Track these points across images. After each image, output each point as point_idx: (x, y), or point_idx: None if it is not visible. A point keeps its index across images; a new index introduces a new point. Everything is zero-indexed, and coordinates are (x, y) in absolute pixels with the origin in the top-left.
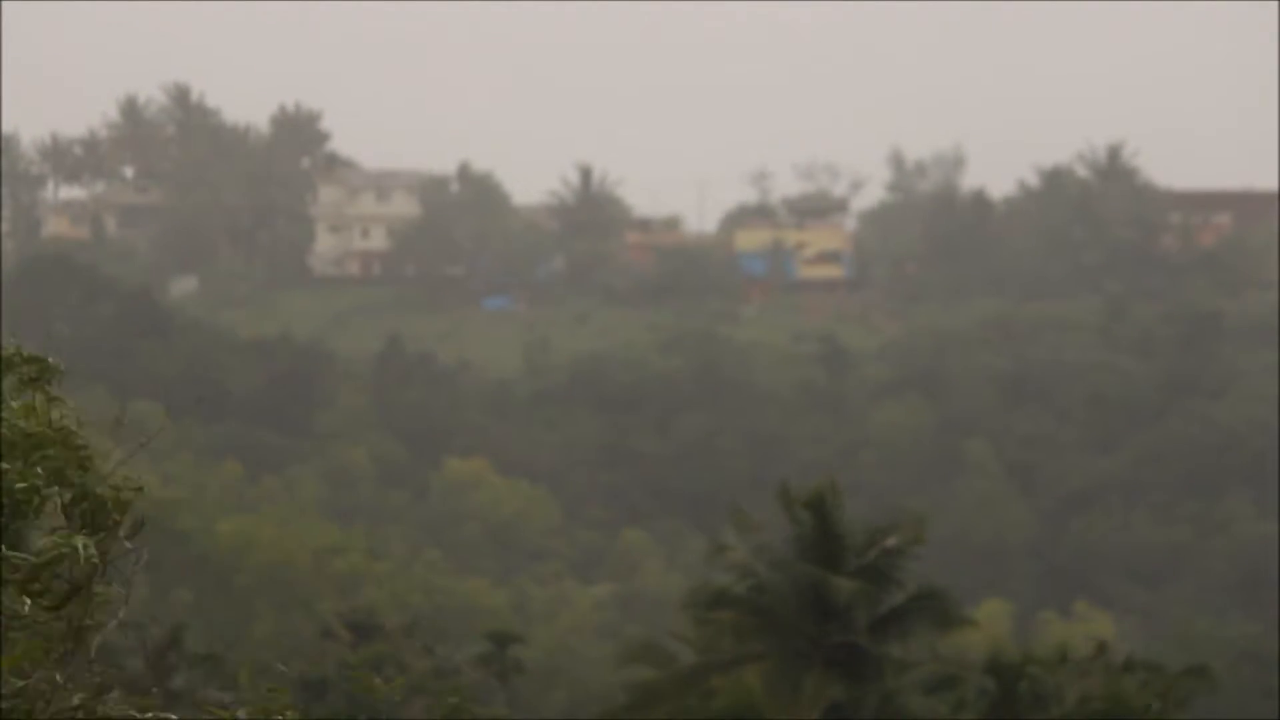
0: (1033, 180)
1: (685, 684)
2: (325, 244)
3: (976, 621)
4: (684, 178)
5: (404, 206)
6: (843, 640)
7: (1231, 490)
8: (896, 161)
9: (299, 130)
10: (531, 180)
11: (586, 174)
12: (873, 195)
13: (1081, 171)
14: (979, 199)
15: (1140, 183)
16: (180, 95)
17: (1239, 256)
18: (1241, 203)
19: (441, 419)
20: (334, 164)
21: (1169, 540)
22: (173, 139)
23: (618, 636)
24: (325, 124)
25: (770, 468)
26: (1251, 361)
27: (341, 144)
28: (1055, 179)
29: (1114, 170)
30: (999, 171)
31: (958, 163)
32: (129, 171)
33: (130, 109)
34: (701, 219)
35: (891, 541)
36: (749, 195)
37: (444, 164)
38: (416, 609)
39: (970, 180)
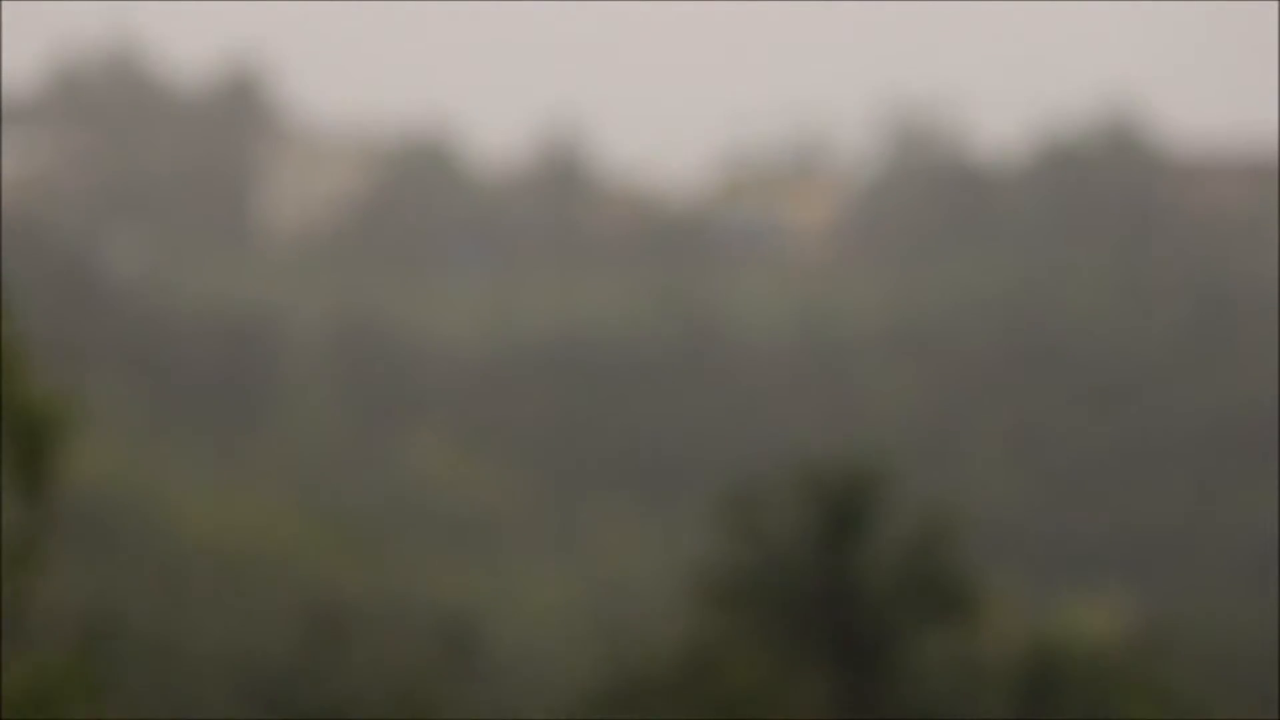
0: (1027, 139)
1: (681, 676)
2: (274, 210)
3: (1000, 609)
4: (670, 137)
5: (361, 174)
6: (858, 630)
7: (1242, 466)
8: (892, 121)
9: (247, 94)
10: (504, 136)
11: (562, 132)
12: (865, 155)
13: (1083, 129)
14: (981, 168)
15: (1148, 148)
16: (120, 52)
17: (1251, 227)
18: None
19: (402, 392)
20: (285, 133)
21: (1176, 517)
22: (108, 99)
23: (597, 621)
24: (282, 81)
25: (758, 440)
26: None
27: (305, 92)
28: (1058, 147)
29: (1119, 135)
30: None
31: (956, 125)
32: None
33: (66, 66)
34: (685, 180)
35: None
36: (736, 155)
37: (413, 115)
38: (384, 597)
39: (966, 133)
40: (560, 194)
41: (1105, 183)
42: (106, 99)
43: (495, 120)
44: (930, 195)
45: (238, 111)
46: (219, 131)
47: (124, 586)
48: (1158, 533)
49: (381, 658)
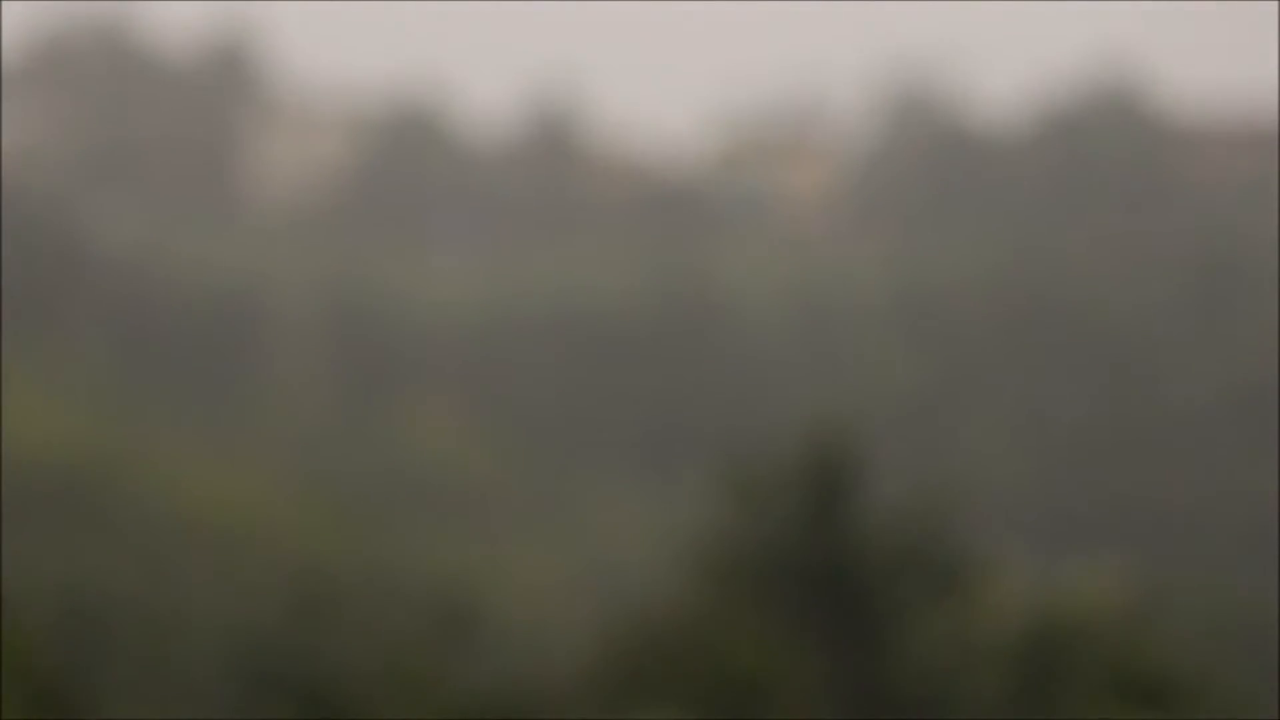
0: (1028, 104)
1: (675, 652)
2: (263, 179)
3: (1000, 580)
4: (666, 100)
5: (350, 142)
6: (854, 605)
7: (1245, 435)
8: (891, 86)
9: (234, 62)
10: (495, 100)
11: (555, 96)
12: (863, 121)
13: (1083, 94)
14: (981, 135)
15: (1149, 114)
16: (107, 20)
17: (1254, 195)
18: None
19: (394, 362)
20: (273, 100)
21: (1178, 487)
22: (95, 66)
23: (593, 594)
24: (270, 47)
25: (756, 411)
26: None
27: (293, 58)
28: (1059, 114)
29: (1121, 101)
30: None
31: (955, 90)
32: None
33: (53, 34)
34: (681, 145)
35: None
36: (732, 119)
37: (402, 79)
38: (377, 569)
39: (965, 99)
40: (553, 162)
41: (1106, 150)
42: (93, 67)
43: (487, 83)
44: (929, 163)
45: (225, 79)
46: (206, 99)
47: (108, 560)
48: (1159, 503)
49: (373, 630)
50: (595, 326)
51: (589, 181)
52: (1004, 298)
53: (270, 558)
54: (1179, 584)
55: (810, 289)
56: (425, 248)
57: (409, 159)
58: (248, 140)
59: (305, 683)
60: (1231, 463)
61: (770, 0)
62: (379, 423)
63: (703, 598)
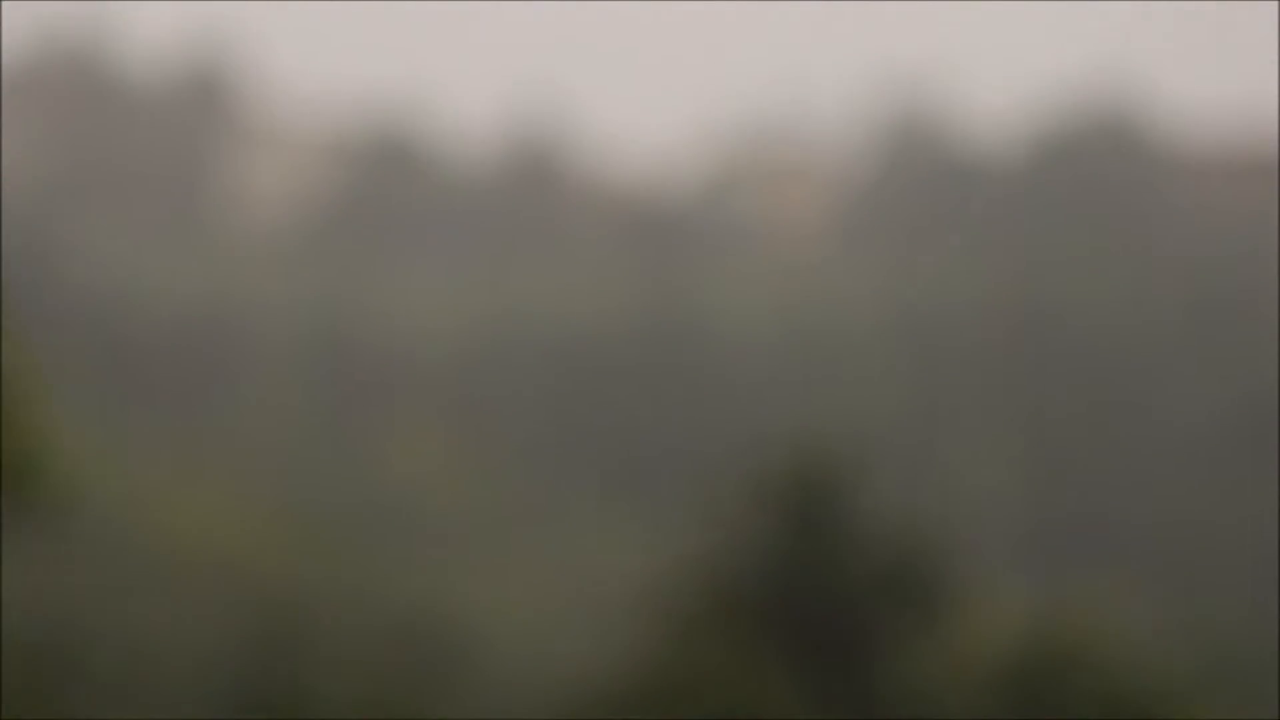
0: (1024, 127)
1: (655, 688)
2: (240, 203)
3: (991, 606)
4: (653, 122)
5: (330, 166)
6: (836, 633)
7: (1244, 459)
8: (884, 109)
9: (210, 85)
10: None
11: (539, 116)
12: (855, 145)
13: (1081, 119)
14: (976, 159)
15: (1149, 140)
16: (82, 42)
17: (1253, 224)
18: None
19: (375, 388)
20: (251, 124)
21: (1177, 510)
22: (69, 89)
23: (573, 622)
24: (247, 70)
25: (743, 436)
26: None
27: (271, 80)
28: (1055, 138)
29: (1119, 127)
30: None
31: (950, 113)
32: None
33: (29, 55)
34: (668, 166)
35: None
36: (721, 140)
37: (383, 100)
38: (353, 596)
39: (960, 122)
40: (538, 184)
41: (1103, 176)
42: (66, 89)
43: (470, 101)
44: (922, 186)
45: (201, 101)
46: (182, 122)
47: (81, 585)
48: (1158, 526)
49: (346, 659)
50: (580, 351)
51: (574, 204)
52: (998, 322)
53: (246, 586)
54: (1176, 607)
55: (800, 313)
56: (406, 272)
57: (389, 182)
58: (225, 163)
59: (276, 709)
60: (1229, 487)
61: (762, 17)
62: (358, 448)
63: (682, 629)
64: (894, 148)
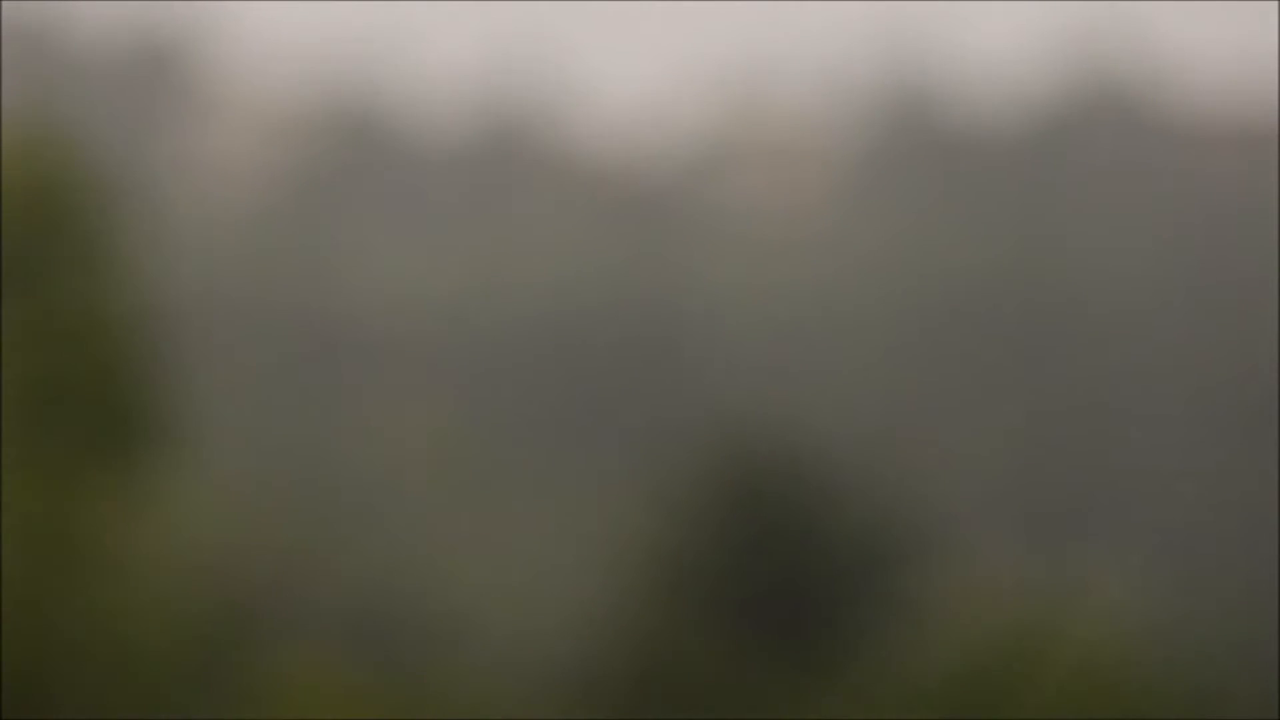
0: (1029, 99)
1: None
2: (206, 182)
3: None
4: (643, 94)
5: (299, 143)
6: (814, 621)
7: (1248, 440)
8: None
9: (168, 60)
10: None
11: (517, 89)
12: (855, 122)
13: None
14: (979, 133)
15: (1156, 113)
16: (39, 19)
17: (1257, 197)
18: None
19: (349, 366)
20: (211, 97)
21: (1182, 489)
22: (25, 67)
23: (550, 605)
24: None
25: (726, 416)
26: None
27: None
28: (1062, 110)
29: (1126, 99)
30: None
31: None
32: None
33: None
34: (666, 143)
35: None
36: (719, 115)
37: (357, 75)
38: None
39: (963, 95)
40: (514, 157)
41: (1108, 147)
42: (23, 67)
43: (445, 71)
44: (926, 164)
45: (161, 76)
46: (141, 97)
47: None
48: (1161, 503)
49: (324, 628)
50: (560, 325)
51: (553, 176)
52: (998, 298)
53: (224, 558)
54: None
55: (790, 290)
56: (379, 245)
57: (361, 154)
58: (187, 139)
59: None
60: (1231, 463)
61: None
62: (332, 420)
63: (654, 610)
64: (890, 120)
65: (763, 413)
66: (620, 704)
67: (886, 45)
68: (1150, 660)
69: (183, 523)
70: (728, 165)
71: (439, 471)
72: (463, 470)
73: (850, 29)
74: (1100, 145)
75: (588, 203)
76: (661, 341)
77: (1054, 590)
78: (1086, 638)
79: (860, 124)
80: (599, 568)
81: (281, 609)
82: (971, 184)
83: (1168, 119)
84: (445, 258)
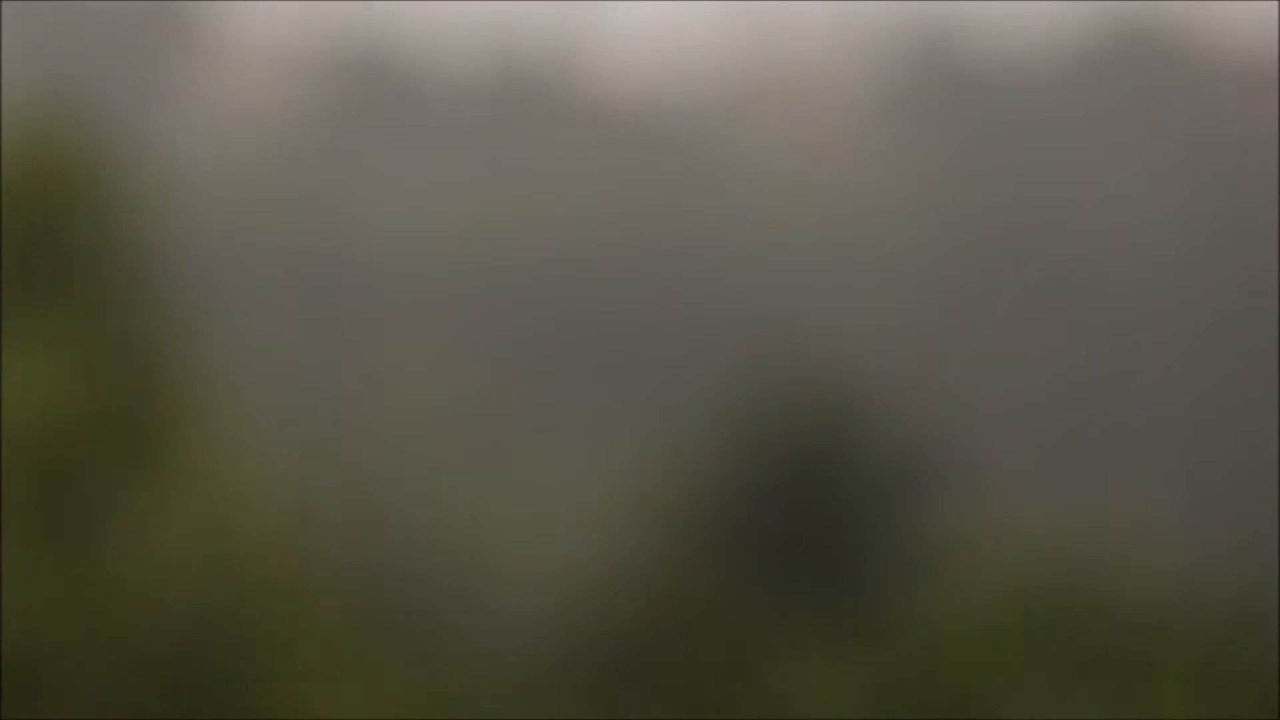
0: (1061, 42)
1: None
2: (215, 127)
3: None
4: (664, 37)
5: (313, 87)
6: (835, 566)
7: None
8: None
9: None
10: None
11: (534, 31)
12: (880, 64)
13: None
14: (1010, 76)
15: (1193, 54)
16: None
17: None
18: None
19: (368, 312)
20: (221, 45)
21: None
22: (35, 14)
23: (571, 557)
24: None
25: (745, 359)
26: None
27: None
28: (1095, 52)
29: (1162, 40)
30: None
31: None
32: None
33: None
34: (688, 88)
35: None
36: (740, 61)
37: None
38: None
39: (993, 37)
40: (532, 100)
41: (1141, 89)
42: (32, 14)
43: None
44: (950, 105)
45: (168, 19)
46: (148, 40)
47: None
48: (1193, 441)
49: (350, 574)
50: (580, 269)
51: (571, 119)
52: (1024, 241)
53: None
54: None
55: (815, 233)
56: (394, 188)
57: (374, 97)
58: (197, 80)
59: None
60: (1265, 400)
61: None
62: (353, 365)
63: (672, 555)
64: (914, 60)
65: (785, 355)
66: (642, 649)
67: None
68: (1181, 601)
69: (214, 498)
70: (748, 105)
71: (457, 419)
72: (481, 417)
73: None
74: (1131, 87)
75: (608, 143)
76: (679, 283)
77: (1086, 530)
78: (1118, 579)
79: (884, 65)
80: (621, 513)
81: (315, 573)
82: (997, 126)
83: (1201, 58)
84: (461, 199)
